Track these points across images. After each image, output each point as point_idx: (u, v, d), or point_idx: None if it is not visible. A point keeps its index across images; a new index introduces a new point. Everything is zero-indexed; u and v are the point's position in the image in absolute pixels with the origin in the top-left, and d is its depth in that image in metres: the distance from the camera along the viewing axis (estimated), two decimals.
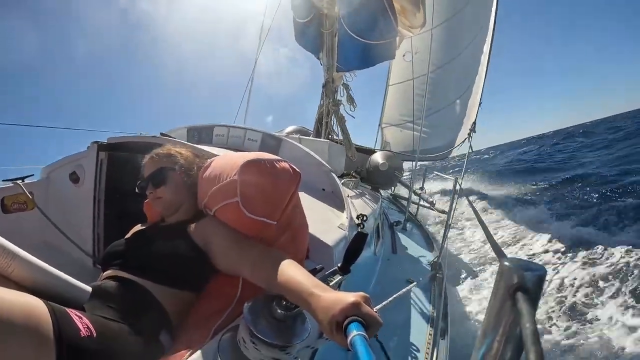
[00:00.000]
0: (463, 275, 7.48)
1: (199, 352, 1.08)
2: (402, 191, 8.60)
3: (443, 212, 7.16)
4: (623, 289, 6.03)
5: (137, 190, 1.71)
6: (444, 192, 13.88)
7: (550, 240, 8.58)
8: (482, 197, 14.64)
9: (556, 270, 7.12)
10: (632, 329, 5.02)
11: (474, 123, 7.39)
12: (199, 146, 2.18)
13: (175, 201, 1.65)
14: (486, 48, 7.90)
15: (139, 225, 1.79)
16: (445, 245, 4.49)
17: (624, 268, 6.57)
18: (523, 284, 0.52)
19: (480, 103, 7.65)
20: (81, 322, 1.07)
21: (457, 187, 4.83)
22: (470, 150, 7.24)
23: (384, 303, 1.86)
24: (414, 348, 2.61)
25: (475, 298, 6.52)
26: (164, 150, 1.75)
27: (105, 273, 1.48)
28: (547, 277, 6.39)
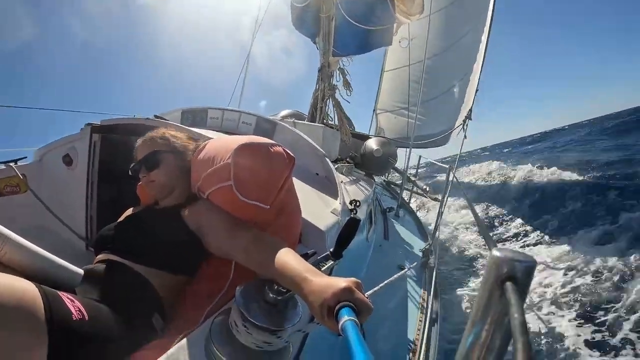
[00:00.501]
0: (455, 263, 7.56)
1: (190, 335, 1.09)
2: (396, 178, 8.63)
3: (436, 199, 7.19)
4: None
5: (130, 173, 1.69)
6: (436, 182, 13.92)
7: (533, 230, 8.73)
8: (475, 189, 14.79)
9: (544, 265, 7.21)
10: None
11: (470, 110, 7.36)
12: (192, 129, 2.17)
13: (168, 184, 1.65)
14: (484, 37, 7.85)
15: (132, 208, 1.79)
16: (437, 232, 4.51)
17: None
18: (513, 274, 0.52)
19: (477, 91, 7.62)
20: (73, 305, 1.07)
21: (451, 175, 4.84)
22: (465, 138, 7.24)
23: (374, 289, 1.88)
24: (405, 335, 2.64)
25: (466, 286, 6.59)
26: (158, 133, 1.74)
27: (98, 256, 1.48)
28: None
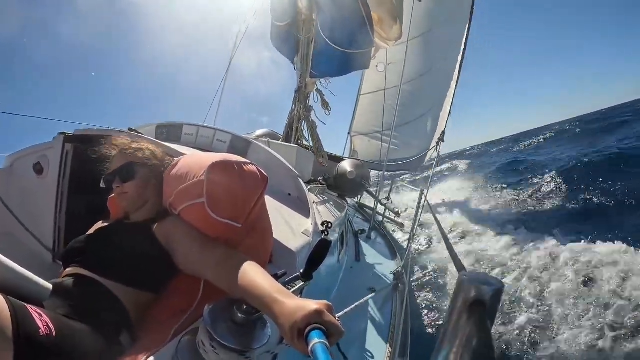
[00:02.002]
0: (426, 286, 7.56)
1: (157, 353, 1.07)
2: (369, 201, 8.66)
3: (401, 225, 7.27)
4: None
5: (103, 183, 1.67)
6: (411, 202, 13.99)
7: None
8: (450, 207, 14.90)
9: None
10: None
11: (443, 132, 7.50)
12: (166, 144, 2.15)
13: (141, 198, 1.62)
14: (457, 64, 8.06)
15: (102, 221, 1.75)
16: (408, 255, 4.52)
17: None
18: (481, 297, 0.52)
19: (449, 114, 7.79)
20: (41, 319, 1.04)
21: (423, 199, 4.88)
22: (438, 158, 7.36)
23: (344, 311, 1.87)
24: (375, 358, 2.62)
25: (437, 308, 6.60)
26: (135, 144, 1.72)
27: (66, 270, 1.45)
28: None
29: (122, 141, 1.73)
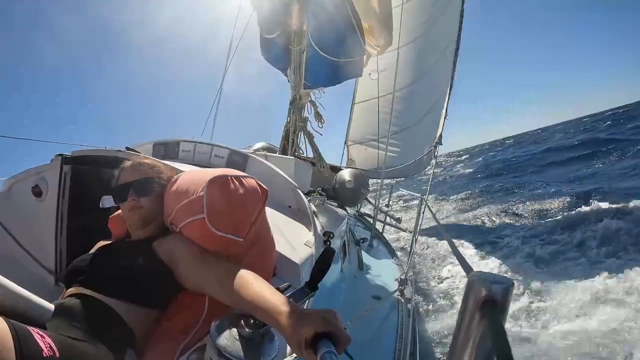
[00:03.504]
0: (431, 290, 7.55)
1: None
2: (369, 209, 8.66)
3: (404, 230, 7.24)
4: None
5: (113, 195, 1.64)
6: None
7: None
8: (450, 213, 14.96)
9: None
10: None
11: (440, 135, 7.50)
12: (165, 162, 2.15)
13: (153, 214, 1.61)
14: (451, 65, 8.08)
15: (103, 241, 1.74)
16: (411, 261, 4.52)
17: None
18: (491, 296, 0.52)
19: (445, 117, 7.79)
20: (44, 341, 1.03)
21: (423, 205, 4.89)
22: (435, 162, 7.36)
23: (350, 320, 1.86)
24: None
25: (443, 313, 6.58)
26: (149, 160, 1.73)
27: (68, 290, 1.44)
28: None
29: (119, 161, 1.73)
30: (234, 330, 1.04)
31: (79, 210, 2.69)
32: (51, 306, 1.31)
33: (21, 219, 2.72)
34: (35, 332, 1.04)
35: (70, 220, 2.69)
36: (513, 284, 0.56)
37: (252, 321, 1.05)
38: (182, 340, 1.33)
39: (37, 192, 2.68)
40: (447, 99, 8.00)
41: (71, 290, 1.42)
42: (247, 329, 1.03)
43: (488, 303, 0.52)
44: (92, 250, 1.65)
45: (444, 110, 7.93)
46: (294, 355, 1.07)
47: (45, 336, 1.05)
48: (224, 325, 1.04)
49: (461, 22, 8.13)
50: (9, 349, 0.92)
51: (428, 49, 9.22)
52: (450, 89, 7.97)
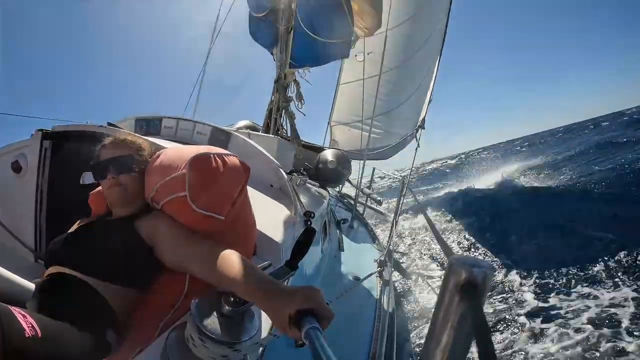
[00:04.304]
0: (409, 272, 7.66)
1: (146, 350, 1.06)
2: (350, 190, 8.70)
3: (383, 214, 7.29)
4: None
5: (92, 173, 1.61)
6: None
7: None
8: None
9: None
10: None
11: (423, 120, 7.53)
12: (146, 137, 2.12)
13: (133, 191, 1.58)
14: (437, 49, 8.10)
15: (84, 218, 1.71)
16: (391, 243, 4.57)
17: None
18: (471, 279, 0.53)
19: (430, 101, 7.81)
20: (25, 321, 1.01)
21: (404, 187, 4.92)
22: (418, 146, 7.39)
23: (330, 301, 1.88)
24: (363, 346, 2.65)
25: (421, 294, 6.69)
26: (130, 136, 1.69)
27: (48, 269, 1.42)
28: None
29: (100, 137, 1.70)
30: (215, 308, 1.04)
31: (59, 187, 2.65)
32: (31, 285, 1.30)
33: (0, 196, 2.67)
34: (17, 312, 1.02)
35: (50, 196, 2.66)
36: (493, 268, 0.57)
37: (232, 299, 1.05)
38: (163, 318, 1.33)
39: (17, 168, 2.63)
40: (432, 83, 8.02)
41: (52, 269, 1.40)
42: (227, 307, 1.04)
43: (468, 286, 0.52)
44: (73, 229, 1.62)
45: (428, 94, 7.94)
46: (275, 333, 1.08)
47: (27, 316, 1.04)
48: (204, 303, 1.05)
49: (450, 4, 8.13)
50: None
51: (416, 32, 9.20)
52: (436, 75, 7.98)
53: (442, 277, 0.60)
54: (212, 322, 1.00)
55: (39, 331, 1.02)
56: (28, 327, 1.00)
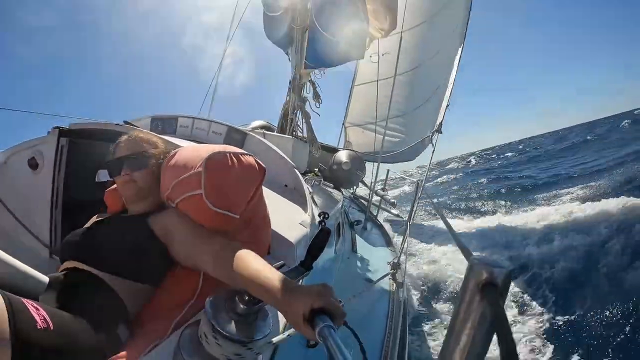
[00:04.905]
0: (423, 275, 7.61)
1: (159, 347, 1.06)
2: (364, 191, 8.68)
3: (398, 216, 7.27)
4: None
5: (107, 170, 1.63)
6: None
7: None
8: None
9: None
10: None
11: (440, 124, 7.46)
12: (162, 136, 2.14)
13: (147, 189, 1.60)
14: (457, 54, 8.00)
15: (99, 215, 1.73)
16: (405, 245, 4.55)
17: None
18: (492, 279, 0.52)
19: (447, 106, 7.73)
20: (38, 313, 1.03)
21: (419, 190, 4.90)
22: (433, 151, 7.34)
23: (342, 302, 1.88)
24: (375, 346, 2.63)
25: (434, 297, 6.65)
26: (144, 134, 1.71)
27: (63, 264, 1.44)
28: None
29: (117, 135, 1.71)
30: (229, 306, 1.04)
31: (75, 184, 2.68)
32: (45, 279, 1.31)
33: (16, 191, 2.71)
34: (30, 304, 1.04)
35: (66, 193, 2.69)
36: (512, 269, 0.56)
37: (246, 298, 1.05)
38: (176, 315, 1.33)
39: (33, 165, 2.67)
40: (450, 86, 7.94)
41: (66, 264, 1.42)
42: (241, 306, 1.04)
43: (488, 286, 0.52)
44: (88, 225, 1.64)
45: (445, 98, 7.86)
46: (288, 332, 1.08)
47: (40, 308, 1.06)
48: (218, 301, 1.05)
49: (469, 8, 8.04)
50: (2, 320, 0.92)
51: (433, 34, 9.14)
52: (455, 78, 7.89)
53: (462, 278, 0.59)
54: (226, 321, 1.00)
55: (50, 324, 1.03)
56: (40, 319, 1.01)
